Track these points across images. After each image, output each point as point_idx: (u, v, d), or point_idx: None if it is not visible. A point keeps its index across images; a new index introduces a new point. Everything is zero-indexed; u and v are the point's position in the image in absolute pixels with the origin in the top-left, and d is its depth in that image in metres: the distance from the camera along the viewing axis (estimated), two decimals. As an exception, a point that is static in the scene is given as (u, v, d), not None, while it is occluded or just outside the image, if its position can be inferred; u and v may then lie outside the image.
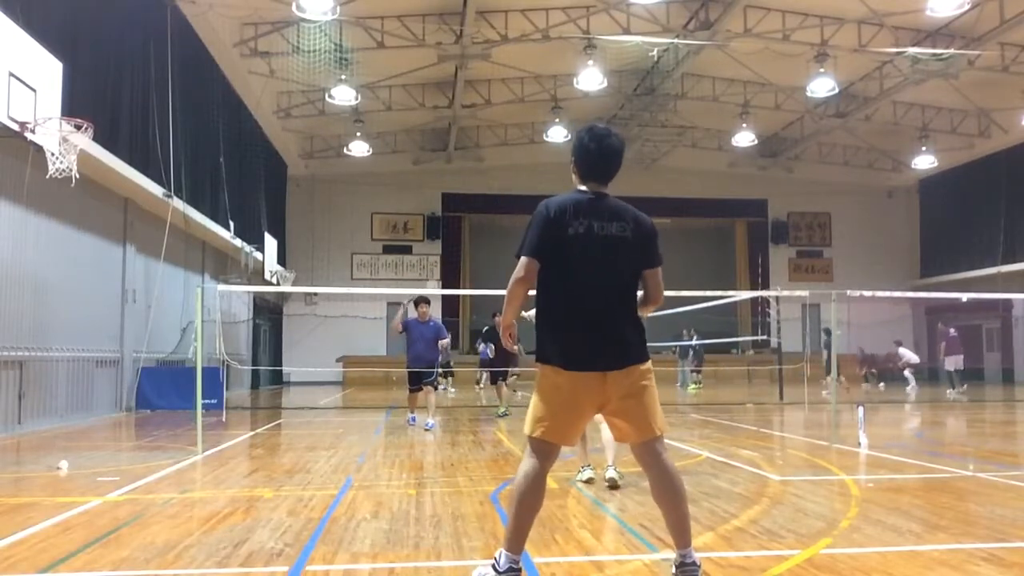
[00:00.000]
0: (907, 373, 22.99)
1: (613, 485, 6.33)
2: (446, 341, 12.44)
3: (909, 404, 17.95)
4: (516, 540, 3.66)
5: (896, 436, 11.19)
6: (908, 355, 23.43)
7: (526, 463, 3.71)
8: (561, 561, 4.22)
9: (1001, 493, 6.30)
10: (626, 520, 5.21)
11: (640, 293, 3.91)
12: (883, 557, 4.26)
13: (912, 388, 22.29)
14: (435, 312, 30.38)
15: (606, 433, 6.01)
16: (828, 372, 21.13)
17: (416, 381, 12.06)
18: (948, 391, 20.82)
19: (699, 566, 3.66)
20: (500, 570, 3.61)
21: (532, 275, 3.68)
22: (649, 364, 3.76)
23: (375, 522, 5.20)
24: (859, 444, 9.03)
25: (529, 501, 3.66)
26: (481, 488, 6.55)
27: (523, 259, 3.67)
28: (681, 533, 3.68)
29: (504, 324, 3.92)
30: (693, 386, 24.03)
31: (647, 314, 3.91)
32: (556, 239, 3.67)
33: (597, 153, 3.82)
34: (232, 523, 5.18)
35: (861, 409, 9.49)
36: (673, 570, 3.69)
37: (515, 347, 4.20)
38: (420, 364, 12.04)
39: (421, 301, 12.40)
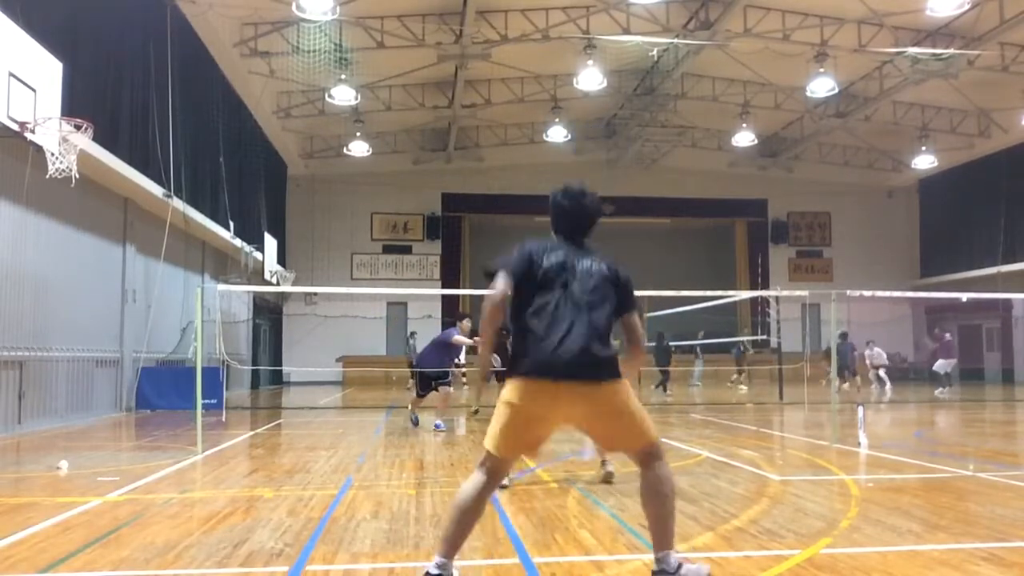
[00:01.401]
0: (881, 373, 22.68)
1: (607, 480, 6.53)
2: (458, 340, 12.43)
3: (882, 405, 17.94)
4: (452, 547, 3.72)
5: (894, 436, 11.19)
6: (878, 355, 23.09)
7: (477, 477, 3.73)
8: (561, 561, 4.23)
9: (1001, 493, 6.30)
10: (626, 520, 5.21)
11: (619, 344, 3.99)
12: (883, 557, 4.26)
13: (876, 388, 22.05)
14: (435, 312, 30.73)
15: None
16: (842, 375, 20.94)
17: (425, 387, 11.96)
18: (939, 390, 20.78)
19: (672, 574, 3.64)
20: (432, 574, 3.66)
21: (506, 293, 3.77)
22: (624, 382, 3.76)
23: (375, 522, 5.21)
24: (859, 444, 9.03)
25: (471, 517, 3.72)
26: (481, 488, 6.55)
27: (500, 276, 3.80)
28: (659, 537, 3.70)
29: (482, 361, 4.01)
30: (742, 387, 23.63)
31: (636, 362, 4.05)
32: (531, 270, 3.81)
33: (570, 211, 4.03)
34: (232, 523, 5.19)
35: (861, 409, 9.50)
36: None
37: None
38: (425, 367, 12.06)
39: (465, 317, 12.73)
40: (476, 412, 13.75)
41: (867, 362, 22.64)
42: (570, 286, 3.79)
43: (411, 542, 4.66)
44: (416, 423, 12.00)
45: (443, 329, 12.42)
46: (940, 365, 21.42)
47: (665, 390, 20.74)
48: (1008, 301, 25.03)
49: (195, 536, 4.83)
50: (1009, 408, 17.16)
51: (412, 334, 24.84)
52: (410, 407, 12.42)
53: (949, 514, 5.40)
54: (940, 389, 20.79)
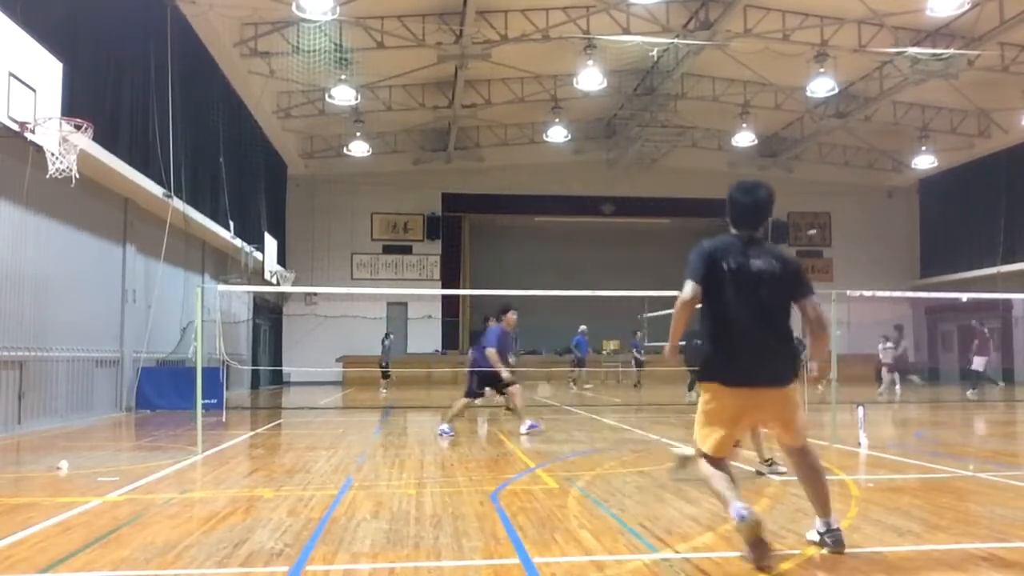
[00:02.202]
0: (888, 372, 21.20)
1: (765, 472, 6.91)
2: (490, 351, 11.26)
3: (894, 404, 17.76)
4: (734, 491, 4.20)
5: (895, 436, 11.19)
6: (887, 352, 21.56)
7: (708, 466, 4.30)
8: (561, 561, 4.22)
9: (1001, 493, 6.30)
10: (626, 520, 5.21)
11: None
12: (883, 557, 4.26)
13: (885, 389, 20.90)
14: (435, 312, 30.75)
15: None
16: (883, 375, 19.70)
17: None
18: (969, 391, 19.55)
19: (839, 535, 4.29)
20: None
21: (696, 298, 4.14)
22: (795, 385, 4.29)
23: (375, 522, 5.20)
24: (859, 444, 9.03)
25: (726, 475, 4.26)
26: (481, 488, 6.55)
27: (689, 283, 4.17)
28: (821, 506, 4.36)
29: (671, 344, 4.46)
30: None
31: (822, 342, 4.46)
32: (713, 272, 4.15)
33: (747, 205, 4.34)
34: (232, 523, 5.18)
35: (861, 409, 9.49)
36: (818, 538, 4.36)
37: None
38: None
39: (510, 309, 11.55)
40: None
41: (880, 358, 21.53)
42: (754, 290, 4.13)
43: (411, 542, 4.66)
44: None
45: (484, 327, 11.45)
46: (979, 363, 20.00)
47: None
48: (1008, 301, 25.00)
49: (195, 536, 4.83)
50: (1009, 408, 17.15)
51: (388, 335, 24.82)
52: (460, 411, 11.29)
53: (949, 514, 5.40)
54: (971, 390, 19.47)
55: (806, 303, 4.30)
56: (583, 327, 24.69)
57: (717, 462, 4.28)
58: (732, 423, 4.25)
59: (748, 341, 4.14)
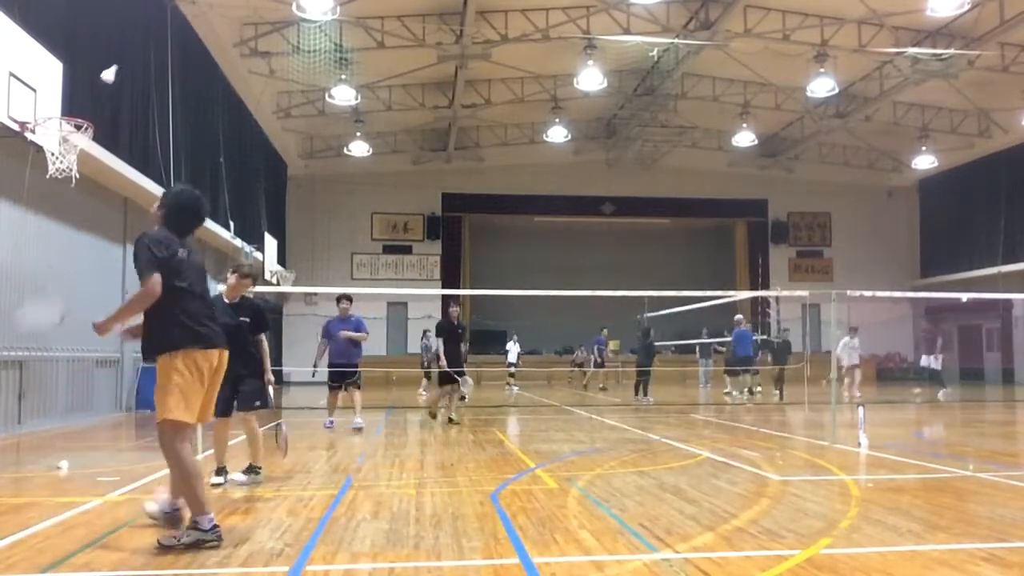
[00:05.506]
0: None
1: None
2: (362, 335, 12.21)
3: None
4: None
5: (894, 436, 11.18)
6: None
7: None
8: (561, 561, 4.22)
9: (1001, 493, 6.30)
10: (626, 520, 5.21)
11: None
12: (883, 557, 4.26)
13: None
14: (435, 312, 30.68)
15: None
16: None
17: (338, 379, 11.91)
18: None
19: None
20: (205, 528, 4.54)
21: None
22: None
23: (375, 522, 5.21)
24: (859, 444, 9.03)
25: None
26: (481, 488, 6.55)
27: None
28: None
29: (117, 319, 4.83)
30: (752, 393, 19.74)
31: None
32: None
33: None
34: (232, 523, 5.18)
35: (861, 409, 9.49)
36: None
37: None
38: (342, 362, 11.93)
39: (342, 298, 12.31)
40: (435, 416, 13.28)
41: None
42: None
43: (411, 542, 4.66)
44: (331, 424, 11.77)
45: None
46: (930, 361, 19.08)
47: (645, 394, 17.67)
48: (1008, 301, 25.00)
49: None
50: (1009, 408, 17.15)
51: (514, 337, 25.02)
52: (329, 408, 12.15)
53: (949, 514, 5.40)
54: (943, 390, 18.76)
55: None
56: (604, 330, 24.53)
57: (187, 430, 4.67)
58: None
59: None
